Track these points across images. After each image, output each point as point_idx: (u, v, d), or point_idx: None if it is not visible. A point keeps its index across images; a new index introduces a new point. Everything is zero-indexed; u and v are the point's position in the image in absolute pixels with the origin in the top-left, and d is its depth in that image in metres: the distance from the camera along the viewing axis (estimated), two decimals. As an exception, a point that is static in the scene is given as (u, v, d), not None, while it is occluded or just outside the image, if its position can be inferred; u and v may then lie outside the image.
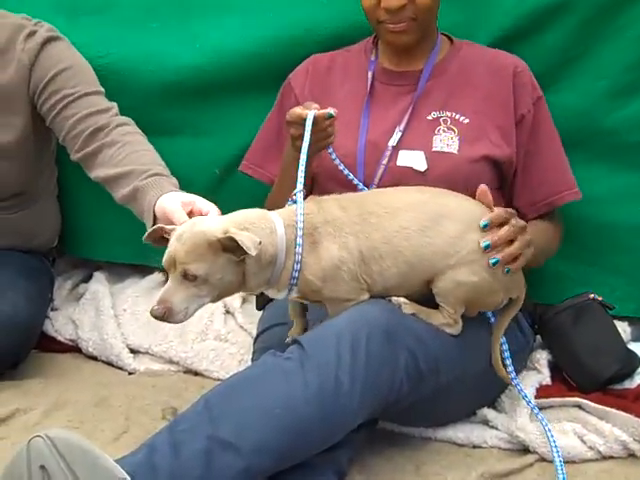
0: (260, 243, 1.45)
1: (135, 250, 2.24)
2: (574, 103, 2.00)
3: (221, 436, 1.33)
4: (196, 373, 2.00)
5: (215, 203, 1.75)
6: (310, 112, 1.61)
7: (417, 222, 1.58)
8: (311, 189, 1.87)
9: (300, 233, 1.53)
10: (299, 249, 1.52)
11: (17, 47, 1.94)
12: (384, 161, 1.83)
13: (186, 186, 2.15)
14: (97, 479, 1.04)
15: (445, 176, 1.78)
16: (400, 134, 1.84)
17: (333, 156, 1.72)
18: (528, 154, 1.86)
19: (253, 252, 1.42)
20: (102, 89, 1.98)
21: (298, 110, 1.63)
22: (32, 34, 1.95)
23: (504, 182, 1.89)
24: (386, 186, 1.76)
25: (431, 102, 1.87)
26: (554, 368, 1.89)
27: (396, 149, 1.84)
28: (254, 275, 1.51)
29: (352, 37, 2.03)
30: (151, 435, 1.37)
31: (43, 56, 1.94)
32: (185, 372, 2.01)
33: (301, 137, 1.61)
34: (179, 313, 1.47)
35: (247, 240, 1.43)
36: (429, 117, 1.85)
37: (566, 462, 1.62)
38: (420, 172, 1.81)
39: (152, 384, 1.85)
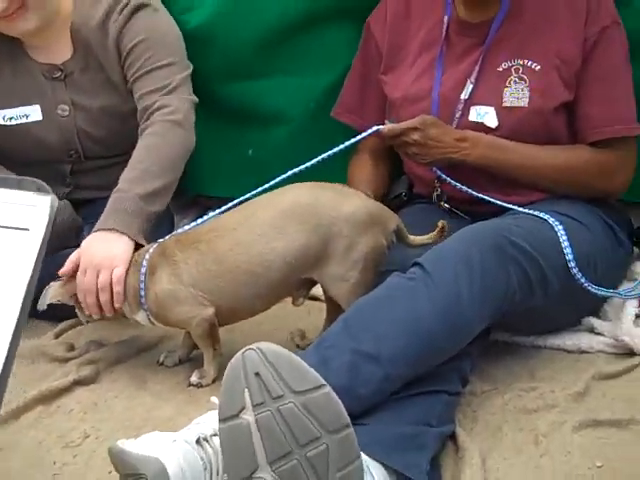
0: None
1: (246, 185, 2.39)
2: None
3: (362, 349, 1.46)
4: (315, 298, 2.07)
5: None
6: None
7: (249, 234, 1.71)
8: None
9: (145, 263, 1.74)
10: (142, 277, 1.74)
11: (112, 19, 2.03)
12: (457, 114, 1.93)
13: (284, 122, 2.33)
14: (303, 384, 1.20)
15: (516, 130, 1.88)
16: (472, 86, 1.91)
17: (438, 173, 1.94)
18: (580, 81, 1.87)
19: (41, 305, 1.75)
20: (174, 59, 2.04)
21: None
22: (125, 6, 2.03)
23: None
24: None
25: (502, 52, 1.91)
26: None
27: (468, 103, 1.92)
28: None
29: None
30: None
31: (127, 28, 2.02)
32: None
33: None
34: None
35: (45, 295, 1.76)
36: (499, 68, 1.90)
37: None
38: (491, 128, 1.90)
39: (275, 312, 1.95)
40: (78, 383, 1.80)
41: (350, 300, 1.68)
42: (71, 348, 1.96)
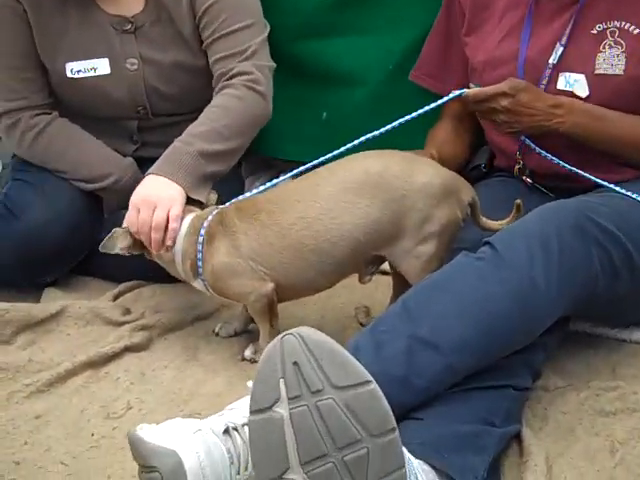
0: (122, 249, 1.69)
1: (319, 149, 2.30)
2: None
3: (420, 335, 1.35)
4: (384, 272, 2.00)
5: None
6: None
7: (313, 208, 1.58)
8: None
9: (202, 232, 1.64)
10: (199, 247, 1.64)
11: None
12: (544, 81, 1.77)
13: (360, 84, 2.23)
14: (345, 379, 1.08)
15: (609, 100, 1.71)
16: (562, 49, 1.76)
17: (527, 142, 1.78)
18: None
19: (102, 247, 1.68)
20: (252, 20, 1.95)
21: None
22: None
23: None
24: None
25: (597, 12, 1.75)
26: None
27: (556, 69, 1.76)
28: (166, 266, 1.72)
29: None
30: (354, 335, 1.43)
31: None
32: (375, 274, 2.03)
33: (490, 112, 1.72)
34: None
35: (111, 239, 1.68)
36: (593, 31, 1.75)
37: None
38: (581, 98, 1.74)
39: (343, 285, 1.90)
40: (129, 349, 1.74)
41: (422, 277, 1.56)
42: (127, 312, 1.90)
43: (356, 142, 1.73)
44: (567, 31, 1.76)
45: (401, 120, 1.74)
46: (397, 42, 2.18)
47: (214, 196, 1.78)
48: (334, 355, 1.08)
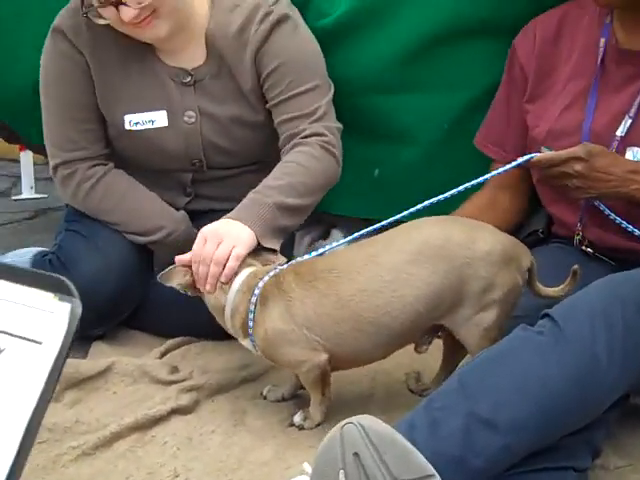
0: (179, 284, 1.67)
1: (370, 205, 2.27)
2: None
3: (478, 413, 1.30)
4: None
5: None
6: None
7: (374, 280, 1.53)
8: None
9: (256, 292, 1.60)
10: (251, 307, 1.60)
11: (251, 29, 1.93)
12: None
13: (414, 143, 2.20)
14: (408, 472, 1.05)
15: None
16: (630, 121, 1.70)
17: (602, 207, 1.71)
18: None
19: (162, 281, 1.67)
20: (318, 81, 1.95)
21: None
22: (265, 16, 1.94)
23: None
24: None
25: None
26: None
27: (623, 142, 1.71)
28: (215, 314, 1.68)
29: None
30: (409, 412, 1.38)
31: (268, 45, 1.93)
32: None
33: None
34: None
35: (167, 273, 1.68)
36: None
37: None
38: None
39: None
40: (176, 412, 1.71)
41: (482, 346, 1.54)
42: (174, 370, 1.88)
43: (413, 209, 1.66)
44: (636, 103, 1.71)
45: (467, 185, 1.67)
46: (455, 101, 2.15)
47: (284, 259, 1.74)
48: (396, 447, 1.05)
